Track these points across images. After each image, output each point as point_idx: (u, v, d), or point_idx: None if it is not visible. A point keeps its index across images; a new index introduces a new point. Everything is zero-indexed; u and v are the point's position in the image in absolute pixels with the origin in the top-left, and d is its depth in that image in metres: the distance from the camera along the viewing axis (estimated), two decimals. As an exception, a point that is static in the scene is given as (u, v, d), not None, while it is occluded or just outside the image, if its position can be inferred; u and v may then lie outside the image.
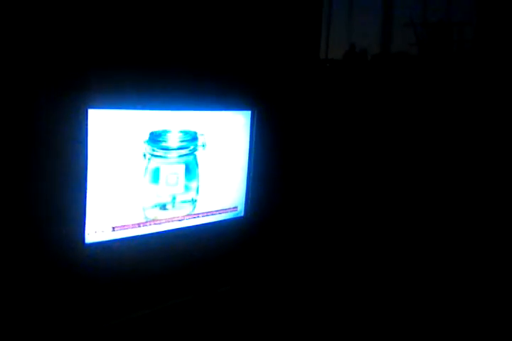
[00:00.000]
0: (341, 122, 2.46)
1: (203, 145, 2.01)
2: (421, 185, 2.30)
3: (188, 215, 2.04)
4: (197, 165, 2.01)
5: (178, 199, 1.99)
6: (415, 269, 2.23)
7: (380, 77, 2.46)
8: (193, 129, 1.98)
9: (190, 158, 1.99)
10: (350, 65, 2.60)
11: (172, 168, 1.95)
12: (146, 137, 1.85)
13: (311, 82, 2.48)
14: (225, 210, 2.17)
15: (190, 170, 2.00)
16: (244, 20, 2.18)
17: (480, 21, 2.45)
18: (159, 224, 1.96)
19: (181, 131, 1.95)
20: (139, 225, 1.90)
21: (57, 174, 1.67)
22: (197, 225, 2.08)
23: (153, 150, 1.88)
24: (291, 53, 2.41)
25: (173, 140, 1.94)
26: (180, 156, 1.96)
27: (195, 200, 2.04)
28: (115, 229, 1.84)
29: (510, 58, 2.26)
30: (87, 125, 1.69)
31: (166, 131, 1.90)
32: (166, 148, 1.92)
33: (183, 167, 1.97)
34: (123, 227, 1.86)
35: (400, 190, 2.33)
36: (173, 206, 1.98)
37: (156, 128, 1.87)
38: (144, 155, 1.85)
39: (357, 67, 2.57)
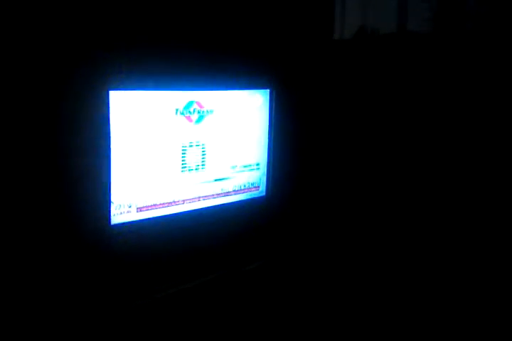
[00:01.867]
0: (358, 103, 2.44)
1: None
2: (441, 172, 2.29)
3: (211, 195, 2.05)
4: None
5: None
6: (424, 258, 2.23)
7: (392, 58, 2.43)
8: (212, 108, 1.99)
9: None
10: (360, 45, 2.56)
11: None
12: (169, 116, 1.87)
13: (325, 63, 2.46)
14: (248, 189, 2.18)
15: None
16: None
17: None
18: (183, 204, 1.98)
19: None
20: (163, 205, 1.92)
21: (81, 157, 1.68)
22: (220, 204, 2.10)
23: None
24: (305, 33, 2.40)
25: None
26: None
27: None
28: (141, 209, 1.86)
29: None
30: (109, 107, 1.70)
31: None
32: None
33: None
34: (148, 208, 1.88)
35: (417, 179, 2.32)
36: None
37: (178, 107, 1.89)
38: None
39: (366, 47, 2.54)
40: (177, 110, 1.89)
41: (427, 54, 2.36)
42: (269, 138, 2.19)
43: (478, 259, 2.10)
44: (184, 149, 1.94)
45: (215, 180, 2.06)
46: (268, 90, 2.15)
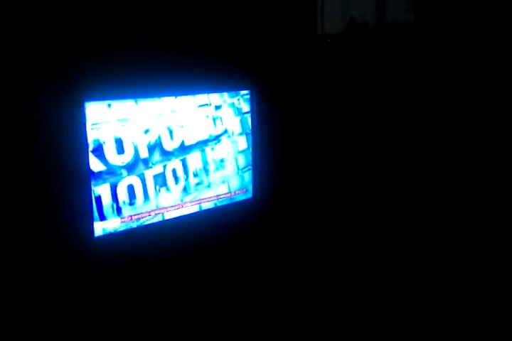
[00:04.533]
0: (343, 98, 2.41)
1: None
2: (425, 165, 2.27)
3: (197, 200, 2.02)
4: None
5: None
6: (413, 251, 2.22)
7: (381, 50, 2.40)
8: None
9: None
10: (352, 38, 2.53)
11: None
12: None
13: (311, 59, 2.43)
14: (234, 192, 2.16)
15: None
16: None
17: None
18: (168, 211, 1.95)
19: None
20: (149, 214, 1.89)
21: (59, 169, 1.66)
22: (207, 209, 2.07)
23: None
24: (287, 29, 2.36)
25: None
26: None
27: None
28: (123, 220, 1.83)
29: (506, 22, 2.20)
30: (85, 118, 1.66)
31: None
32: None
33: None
34: (131, 218, 1.85)
35: (401, 172, 2.30)
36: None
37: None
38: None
39: (359, 40, 2.50)
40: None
41: (415, 45, 2.35)
42: (253, 140, 2.16)
43: (477, 258, 2.08)
44: (169, 156, 1.91)
45: (200, 185, 2.03)
46: (248, 91, 2.11)
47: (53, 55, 1.60)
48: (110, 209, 1.77)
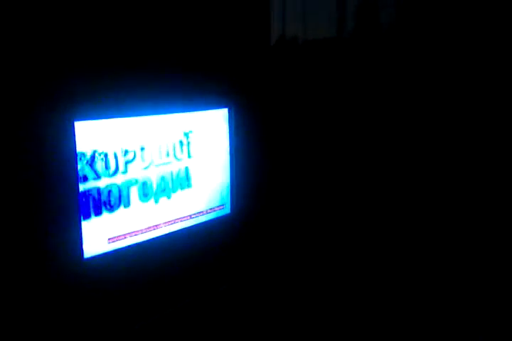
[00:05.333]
0: (309, 110, 2.47)
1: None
2: (389, 165, 2.32)
3: (177, 219, 2.02)
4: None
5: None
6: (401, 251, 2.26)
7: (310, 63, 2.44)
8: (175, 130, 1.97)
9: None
10: (281, 52, 2.59)
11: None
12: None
13: (264, 71, 2.46)
14: (212, 209, 2.17)
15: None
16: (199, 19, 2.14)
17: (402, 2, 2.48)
18: (152, 230, 1.94)
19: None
20: (133, 234, 1.87)
21: (48, 190, 1.62)
22: (188, 227, 2.07)
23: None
24: (246, 43, 2.39)
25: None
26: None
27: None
28: (110, 240, 1.80)
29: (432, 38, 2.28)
30: (74, 137, 1.64)
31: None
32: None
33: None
34: (117, 238, 1.82)
35: (378, 177, 2.35)
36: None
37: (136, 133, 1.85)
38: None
39: (289, 53, 2.56)
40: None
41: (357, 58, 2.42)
42: (231, 156, 2.19)
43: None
44: (147, 178, 1.90)
45: (179, 203, 2.03)
46: (226, 108, 2.14)
47: (43, 75, 1.57)
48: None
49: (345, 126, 2.40)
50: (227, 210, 2.24)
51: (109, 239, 1.80)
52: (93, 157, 1.71)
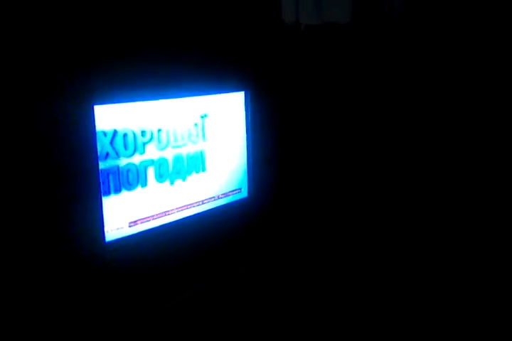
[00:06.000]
0: (337, 97, 2.44)
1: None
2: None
3: (196, 202, 2.03)
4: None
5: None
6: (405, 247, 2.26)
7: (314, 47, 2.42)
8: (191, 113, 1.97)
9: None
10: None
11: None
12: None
13: (282, 55, 2.44)
14: (230, 192, 2.17)
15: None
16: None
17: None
18: (170, 214, 1.95)
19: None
20: (153, 217, 1.88)
21: (69, 175, 1.62)
22: (206, 210, 2.08)
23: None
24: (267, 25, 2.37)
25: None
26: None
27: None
28: (131, 224, 1.82)
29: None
30: (94, 121, 1.64)
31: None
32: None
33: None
34: (140, 221, 1.84)
35: (389, 169, 2.34)
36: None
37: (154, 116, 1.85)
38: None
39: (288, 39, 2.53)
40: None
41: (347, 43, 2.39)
42: (248, 140, 2.19)
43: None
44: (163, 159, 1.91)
45: (195, 186, 2.03)
46: (243, 92, 2.13)
47: (63, 62, 1.57)
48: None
49: (363, 112, 2.39)
50: (244, 194, 2.24)
51: (130, 223, 1.81)
52: (114, 136, 1.71)
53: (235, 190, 2.20)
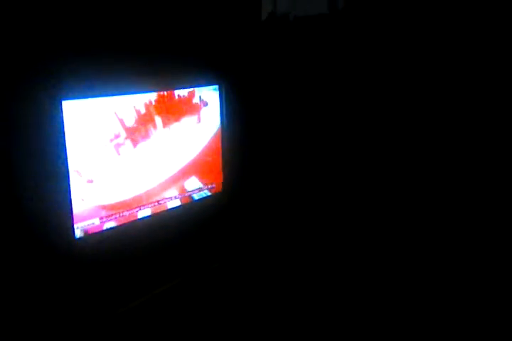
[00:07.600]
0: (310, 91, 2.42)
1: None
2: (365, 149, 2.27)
3: (168, 198, 2.02)
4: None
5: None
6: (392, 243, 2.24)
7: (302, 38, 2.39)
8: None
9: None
10: (272, 28, 2.54)
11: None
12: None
13: (255, 48, 2.42)
14: (204, 187, 2.17)
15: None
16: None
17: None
18: (143, 209, 1.94)
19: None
20: (124, 212, 1.87)
21: (37, 171, 1.61)
22: (179, 205, 2.07)
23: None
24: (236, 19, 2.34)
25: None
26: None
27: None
28: (102, 219, 1.80)
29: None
30: (62, 117, 1.62)
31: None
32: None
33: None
34: (109, 217, 1.82)
35: (359, 159, 2.31)
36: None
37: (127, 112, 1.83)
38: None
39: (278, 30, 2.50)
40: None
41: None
42: (222, 134, 2.18)
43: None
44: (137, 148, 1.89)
45: (171, 182, 2.03)
46: (217, 86, 2.12)
47: (31, 55, 1.55)
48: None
49: (337, 104, 2.37)
50: (217, 188, 2.24)
51: (100, 218, 1.80)
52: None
53: (209, 184, 2.20)
